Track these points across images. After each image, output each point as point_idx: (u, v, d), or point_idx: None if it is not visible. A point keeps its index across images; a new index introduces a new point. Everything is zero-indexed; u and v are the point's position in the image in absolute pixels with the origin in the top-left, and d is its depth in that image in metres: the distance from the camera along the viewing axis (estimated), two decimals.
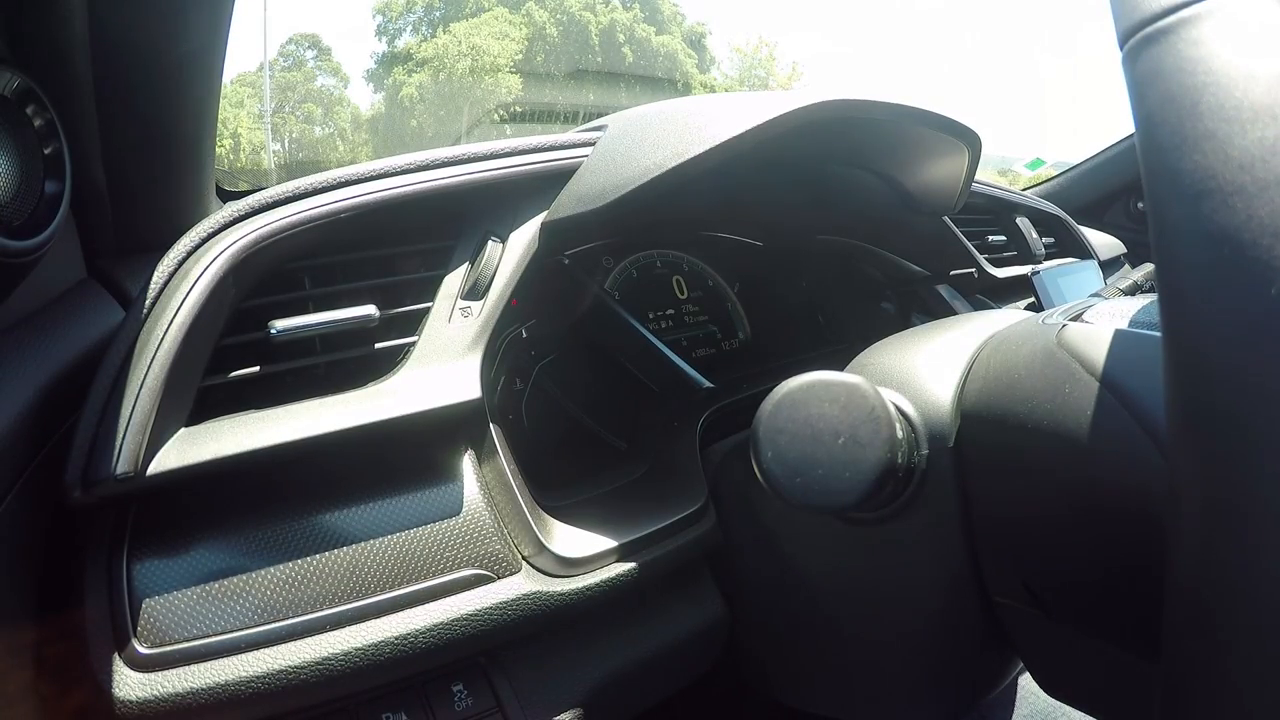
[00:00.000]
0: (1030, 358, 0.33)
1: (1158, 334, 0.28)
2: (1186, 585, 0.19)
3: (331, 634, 0.35)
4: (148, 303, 0.35)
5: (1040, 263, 0.95)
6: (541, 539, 0.39)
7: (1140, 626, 0.29)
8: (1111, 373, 0.29)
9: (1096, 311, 0.35)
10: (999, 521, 0.34)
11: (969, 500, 0.35)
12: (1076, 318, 0.35)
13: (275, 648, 0.35)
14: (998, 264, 0.83)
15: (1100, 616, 0.31)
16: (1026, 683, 0.41)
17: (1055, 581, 0.33)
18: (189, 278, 0.36)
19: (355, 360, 0.41)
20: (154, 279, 0.36)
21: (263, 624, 0.35)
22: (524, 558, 0.39)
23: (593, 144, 0.48)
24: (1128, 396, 0.28)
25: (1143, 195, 0.20)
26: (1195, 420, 0.19)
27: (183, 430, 0.35)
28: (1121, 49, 0.21)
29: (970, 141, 0.57)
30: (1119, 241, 1.25)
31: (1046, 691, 0.38)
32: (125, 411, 0.33)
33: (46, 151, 0.38)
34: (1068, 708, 0.38)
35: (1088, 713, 0.37)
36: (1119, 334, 0.31)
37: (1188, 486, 0.19)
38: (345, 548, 0.37)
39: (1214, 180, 0.18)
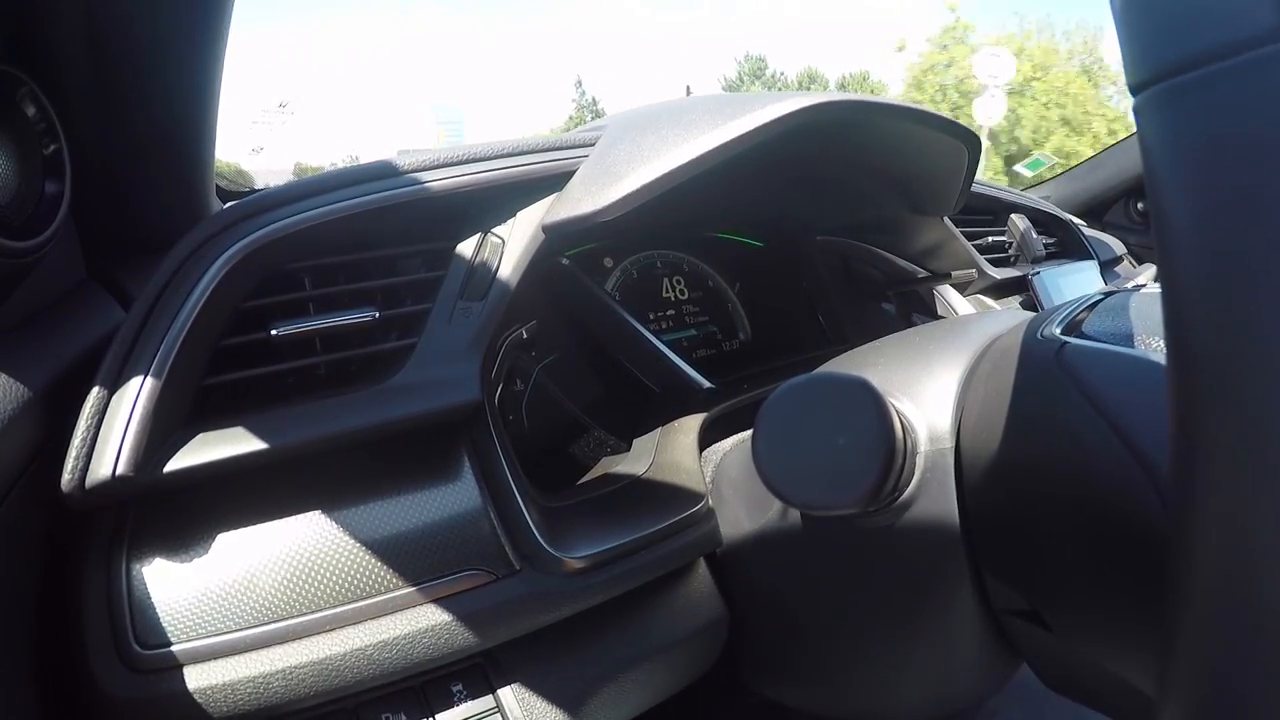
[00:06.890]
0: (1028, 376, 0.32)
1: (1159, 359, 0.28)
2: (1193, 626, 0.19)
3: (330, 635, 0.35)
4: (148, 303, 0.35)
5: (1040, 263, 0.95)
6: (541, 540, 0.39)
7: (1142, 645, 0.29)
8: (1108, 402, 0.29)
9: (1096, 317, 0.34)
10: (999, 538, 0.34)
11: (969, 516, 0.35)
12: (1076, 324, 0.34)
13: (274, 649, 0.35)
14: (998, 264, 0.83)
15: (1103, 637, 0.31)
16: (1028, 677, 0.41)
17: (1056, 599, 0.33)
18: (190, 278, 0.36)
19: (356, 361, 0.41)
20: (155, 280, 0.36)
21: (261, 625, 0.35)
22: (523, 558, 0.39)
23: (592, 145, 0.48)
24: (1124, 430, 0.28)
25: (1143, 196, 0.19)
26: (1198, 452, 0.18)
27: (182, 431, 0.35)
28: (1135, 96, 0.19)
29: (970, 142, 0.57)
30: (1119, 242, 1.25)
31: (1049, 686, 0.38)
32: (124, 412, 0.33)
33: (46, 151, 0.38)
34: (1069, 701, 0.38)
35: (1091, 708, 0.37)
36: (1118, 358, 0.30)
37: (1191, 514, 0.18)
38: (344, 548, 0.37)
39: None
